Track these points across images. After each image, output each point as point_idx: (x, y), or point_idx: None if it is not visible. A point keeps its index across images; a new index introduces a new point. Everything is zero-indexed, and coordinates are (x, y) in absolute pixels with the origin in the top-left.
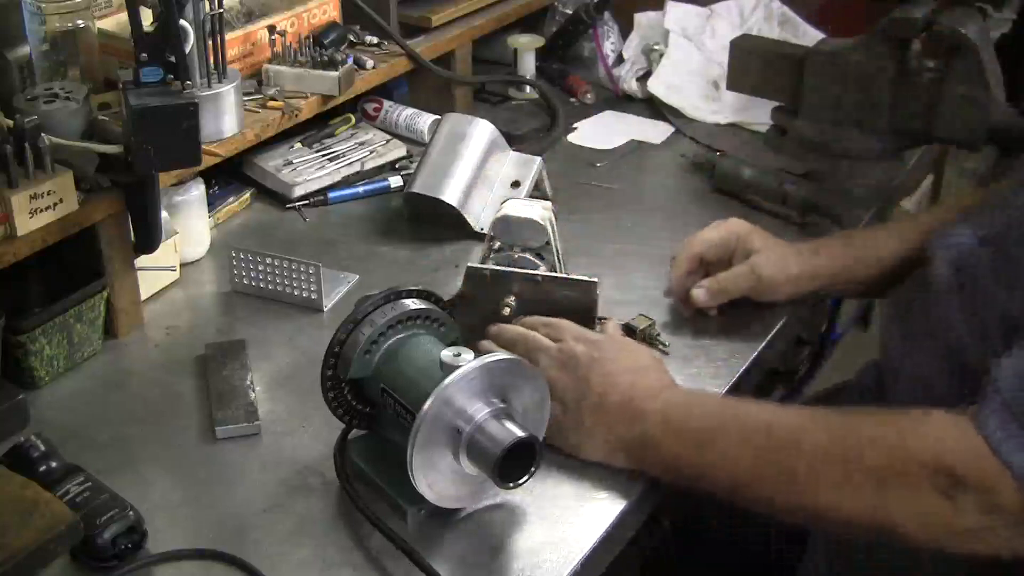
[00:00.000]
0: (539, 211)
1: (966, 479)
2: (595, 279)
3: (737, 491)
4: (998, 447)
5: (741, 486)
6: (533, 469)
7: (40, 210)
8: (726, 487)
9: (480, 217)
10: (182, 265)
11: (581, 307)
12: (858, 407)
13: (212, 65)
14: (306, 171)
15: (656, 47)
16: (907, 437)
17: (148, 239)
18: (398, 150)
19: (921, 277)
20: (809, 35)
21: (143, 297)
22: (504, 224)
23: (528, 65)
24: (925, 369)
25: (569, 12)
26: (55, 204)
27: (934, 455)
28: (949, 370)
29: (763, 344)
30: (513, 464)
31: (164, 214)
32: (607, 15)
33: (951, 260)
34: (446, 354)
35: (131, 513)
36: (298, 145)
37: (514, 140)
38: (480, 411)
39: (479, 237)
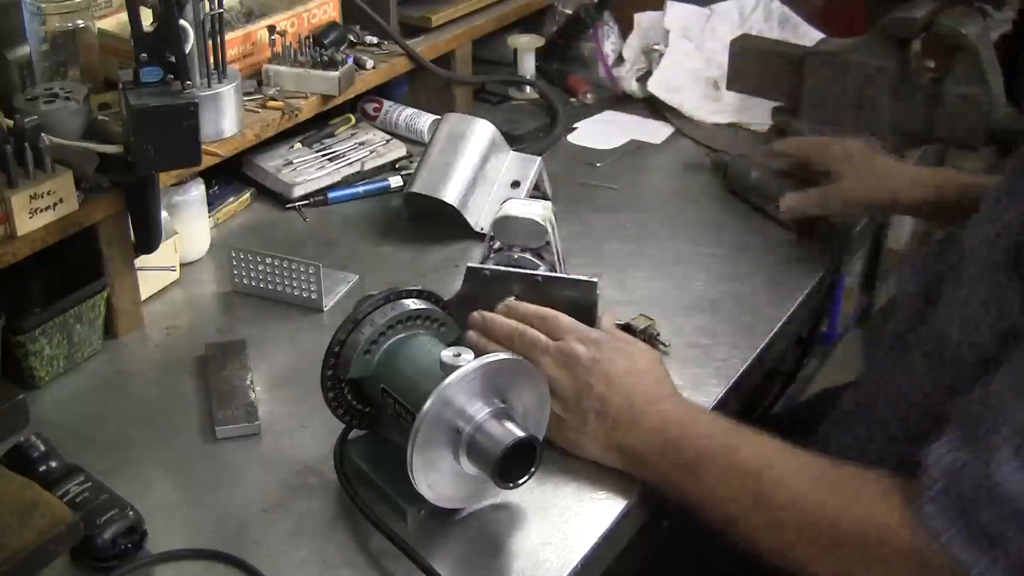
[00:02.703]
0: (539, 211)
1: (935, 569)
2: (595, 279)
3: (720, 525)
4: (948, 544)
5: (724, 522)
6: (533, 469)
7: (40, 210)
8: (711, 519)
9: (480, 217)
10: (182, 265)
11: (581, 307)
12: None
13: (212, 65)
14: (306, 171)
15: (656, 47)
16: (884, 511)
17: (148, 239)
18: (398, 150)
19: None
20: (809, 35)
21: (143, 297)
22: (504, 224)
23: (528, 65)
24: (907, 386)
25: (569, 12)
26: (55, 204)
27: (910, 536)
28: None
29: (763, 344)
30: (513, 464)
31: (164, 214)
32: (607, 15)
33: (920, 280)
34: (446, 354)
35: (131, 513)
36: (298, 145)
37: (514, 140)
38: (480, 411)
39: (479, 237)
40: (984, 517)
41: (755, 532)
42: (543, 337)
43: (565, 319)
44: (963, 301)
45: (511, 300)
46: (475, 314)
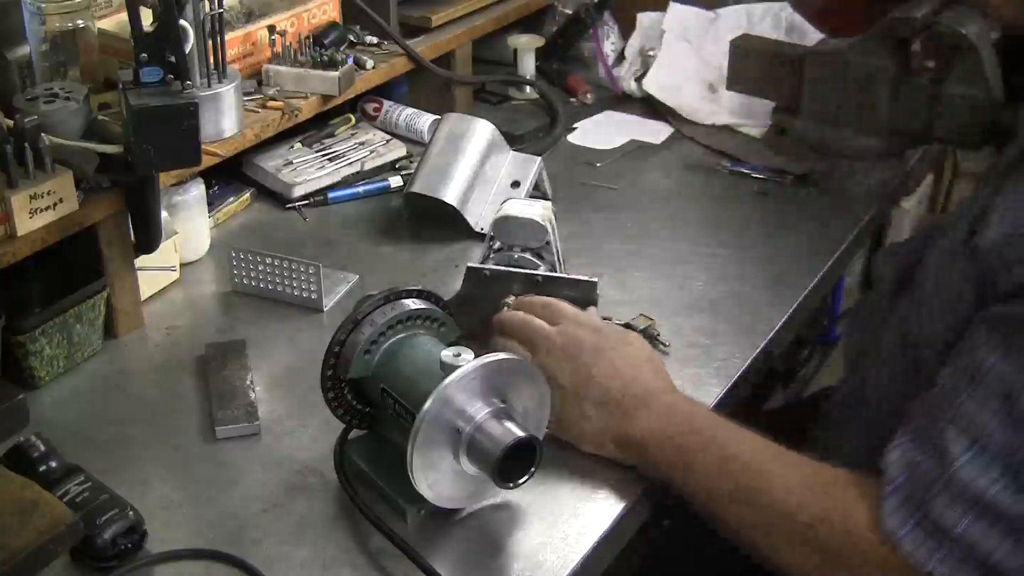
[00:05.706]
0: (539, 211)
1: (898, 571)
2: (595, 279)
3: (710, 516)
4: (900, 543)
5: (712, 514)
6: (533, 469)
7: (40, 210)
8: (701, 510)
9: (480, 217)
10: (182, 265)
11: (581, 307)
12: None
13: (212, 65)
14: (306, 171)
15: (651, 52)
16: (858, 516)
17: (148, 239)
18: (398, 150)
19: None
20: (813, 39)
21: (143, 297)
22: (504, 224)
23: (528, 65)
24: (884, 376)
25: (569, 12)
26: (55, 204)
27: (875, 539)
28: (896, 373)
29: (763, 344)
30: (513, 464)
31: (164, 214)
32: (607, 15)
33: (895, 266)
34: (446, 354)
35: (131, 513)
36: (298, 145)
37: (514, 140)
38: (480, 411)
39: (479, 237)
40: (937, 509)
41: (742, 530)
42: (545, 324)
43: (566, 306)
44: (927, 290)
45: (511, 297)
46: (496, 317)
